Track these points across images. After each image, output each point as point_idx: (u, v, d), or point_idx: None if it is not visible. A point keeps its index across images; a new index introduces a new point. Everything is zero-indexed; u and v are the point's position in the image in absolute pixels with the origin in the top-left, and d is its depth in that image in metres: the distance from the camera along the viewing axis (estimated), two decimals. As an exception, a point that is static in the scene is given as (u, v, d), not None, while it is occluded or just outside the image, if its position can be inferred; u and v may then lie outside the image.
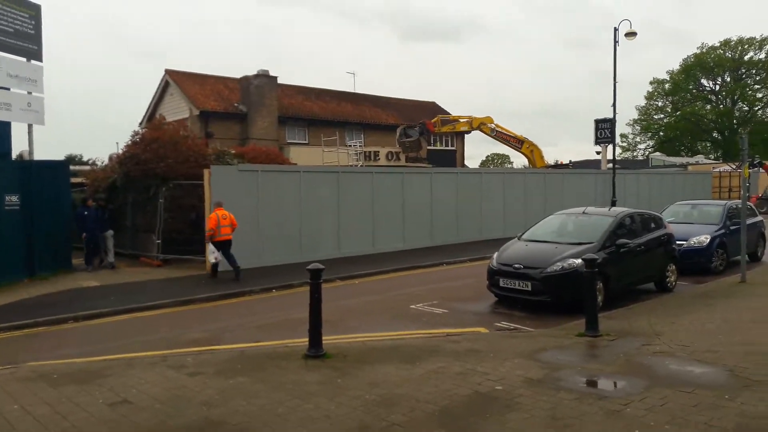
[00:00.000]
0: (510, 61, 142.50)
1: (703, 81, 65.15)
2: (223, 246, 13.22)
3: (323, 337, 6.89)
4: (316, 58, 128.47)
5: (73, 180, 18.15)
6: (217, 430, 4.75)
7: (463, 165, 38.20)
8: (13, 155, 15.23)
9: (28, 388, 5.95)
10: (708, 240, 12.84)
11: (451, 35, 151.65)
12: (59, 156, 46.74)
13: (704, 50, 62.77)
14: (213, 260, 13.44)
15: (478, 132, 31.66)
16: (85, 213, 14.83)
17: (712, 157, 60.45)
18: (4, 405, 5.48)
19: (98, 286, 12.87)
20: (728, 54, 61.41)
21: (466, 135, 37.18)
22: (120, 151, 18.27)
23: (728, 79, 63.38)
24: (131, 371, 6.43)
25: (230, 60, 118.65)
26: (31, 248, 13.76)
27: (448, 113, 36.20)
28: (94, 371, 6.48)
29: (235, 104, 29.05)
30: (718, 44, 61.68)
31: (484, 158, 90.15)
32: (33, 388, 5.97)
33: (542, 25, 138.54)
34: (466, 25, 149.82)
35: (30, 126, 14.63)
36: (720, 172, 35.26)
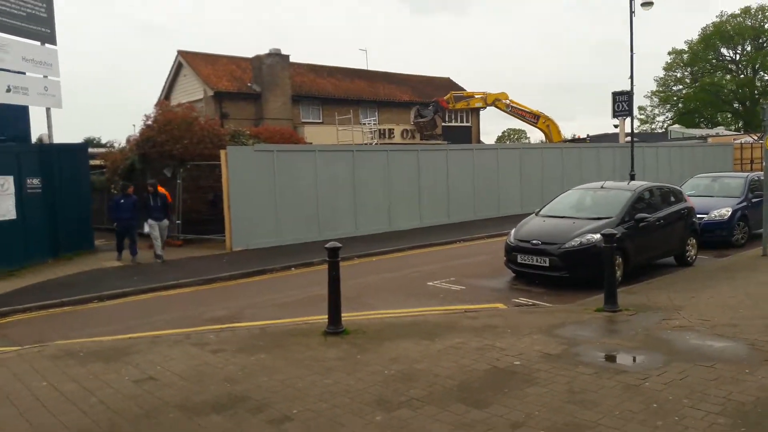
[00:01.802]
0: (522, 34, 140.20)
1: (723, 50, 63.52)
2: None
3: (342, 314, 6.97)
4: (324, 35, 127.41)
5: (92, 162, 18.40)
6: (240, 404, 4.85)
7: (479, 141, 37.95)
8: (33, 139, 15.48)
9: (56, 366, 6.12)
10: (729, 213, 12.67)
11: (461, 6, 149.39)
12: (77, 139, 47.20)
13: (724, 18, 61.10)
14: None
15: (493, 108, 31.43)
16: (121, 201, 13.63)
17: (733, 129, 59.26)
18: (33, 382, 5.65)
19: (121, 266, 13.12)
20: (748, 22, 59.70)
21: (481, 111, 36.86)
22: (137, 134, 18.44)
23: (749, 48, 61.74)
24: (156, 349, 6.57)
25: (237, 38, 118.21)
26: (54, 230, 14.04)
27: (463, 89, 35.88)
28: (120, 349, 6.64)
29: (248, 84, 29.05)
30: (738, 12, 60.02)
31: (500, 134, 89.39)
32: (60, 365, 6.13)
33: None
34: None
35: (48, 110, 14.78)
36: (741, 143, 34.57)
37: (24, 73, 14.07)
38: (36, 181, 13.61)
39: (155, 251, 13.59)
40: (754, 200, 13.13)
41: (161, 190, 14.01)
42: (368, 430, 4.28)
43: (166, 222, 13.90)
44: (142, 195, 14.27)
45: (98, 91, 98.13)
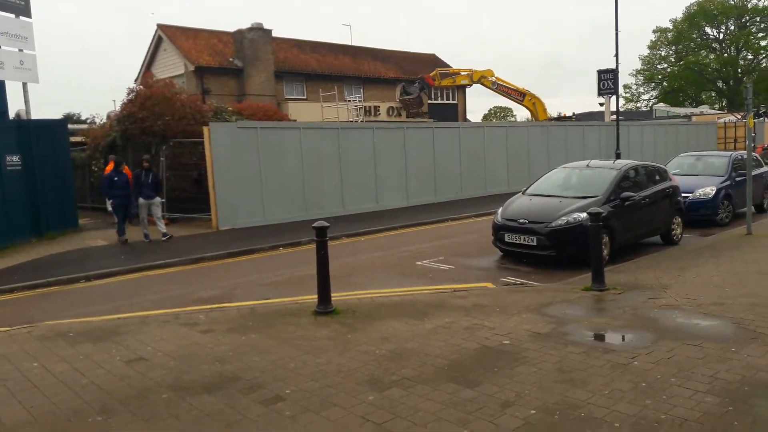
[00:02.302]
0: (508, 12, 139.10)
1: (707, 29, 63.75)
2: None
3: (332, 294, 6.98)
4: (306, 10, 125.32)
5: (72, 139, 18.06)
6: (231, 385, 4.85)
7: (465, 119, 37.85)
8: (10, 115, 15.11)
9: (46, 347, 6.07)
10: (713, 192, 12.83)
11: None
12: (56, 115, 46.27)
13: (708, -3, 61.20)
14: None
15: (479, 85, 31.28)
16: (115, 178, 13.06)
17: (717, 108, 59.80)
18: (24, 363, 5.60)
19: (107, 245, 12.98)
20: (732, 1, 59.89)
21: (467, 89, 36.69)
22: (117, 110, 18.11)
23: (732, 27, 62.01)
24: (145, 329, 6.54)
25: (217, 12, 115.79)
26: (36, 208, 13.81)
27: (449, 66, 35.63)
28: (110, 329, 6.60)
29: (230, 59, 28.54)
30: (723, -11, 60.14)
31: (486, 112, 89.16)
32: (51, 346, 6.08)
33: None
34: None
35: (25, 84, 14.42)
36: (725, 122, 34.93)
37: (-1, 47, 13.69)
38: (15, 159, 13.34)
39: (160, 229, 13.16)
40: (738, 179, 13.30)
41: (126, 170, 13.52)
42: (360, 409, 4.31)
43: (158, 200, 13.46)
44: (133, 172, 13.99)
45: (76, 66, 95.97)
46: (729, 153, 15.05)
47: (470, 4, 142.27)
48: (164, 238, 12.96)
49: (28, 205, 13.59)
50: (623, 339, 5.73)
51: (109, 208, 13.18)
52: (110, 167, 13.37)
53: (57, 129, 15.28)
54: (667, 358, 5.04)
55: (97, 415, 4.42)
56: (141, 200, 13.11)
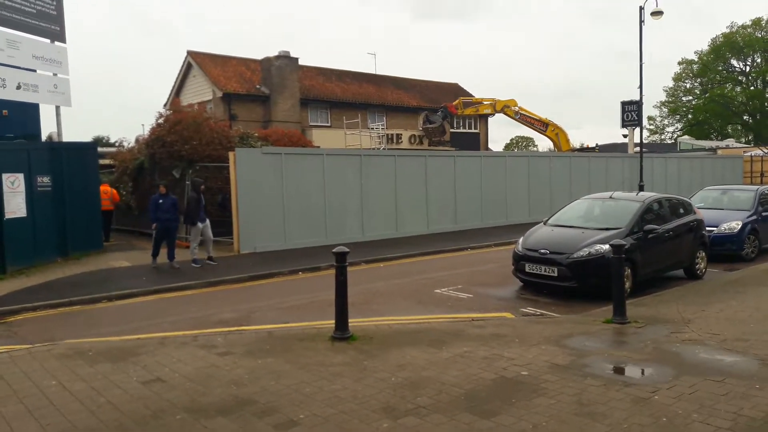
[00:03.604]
0: (531, 42, 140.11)
1: (733, 62, 63.40)
2: (106, 215, 15.34)
3: (349, 320, 6.97)
4: (332, 39, 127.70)
5: (101, 162, 18.50)
6: (246, 408, 4.86)
7: (487, 148, 37.94)
8: (42, 137, 15.57)
9: (65, 365, 6.15)
10: (739, 226, 12.60)
11: (470, 13, 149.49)
12: (85, 138, 47.58)
13: (734, 29, 60.98)
14: None
15: (501, 115, 31.43)
16: (160, 201, 12.70)
17: (743, 141, 59.02)
18: (43, 380, 5.68)
19: (129, 266, 13.16)
20: (758, 34, 59.58)
21: (489, 118, 36.86)
22: (146, 134, 18.55)
23: (759, 60, 61.58)
24: (163, 350, 6.59)
25: (244, 40, 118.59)
26: (63, 229, 14.07)
27: (471, 95, 35.93)
28: (128, 349, 6.67)
29: (257, 86, 29.15)
30: (749, 23, 59.91)
31: (508, 141, 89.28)
32: (70, 364, 6.16)
33: (559, 1, 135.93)
34: (479, 2, 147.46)
35: (57, 108, 14.86)
36: (751, 156, 34.44)
37: (34, 71, 14.15)
38: (46, 180, 13.66)
39: (209, 253, 13.12)
40: (764, 214, 13.08)
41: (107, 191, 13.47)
42: (375, 437, 4.27)
43: (207, 222, 13.29)
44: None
45: (105, 90, 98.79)
46: (755, 187, 14.82)
47: (492, 33, 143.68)
48: (211, 262, 13.02)
49: (55, 225, 13.87)
50: (644, 373, 5.61)
51: (191, 234, 12.96)
52: (163, 191, 12.91)
53: (87, 152, 15.66)
54: (689, 393, 4.93)
55: (113, 434, 4.45)
56: (200, 224, 13.03)
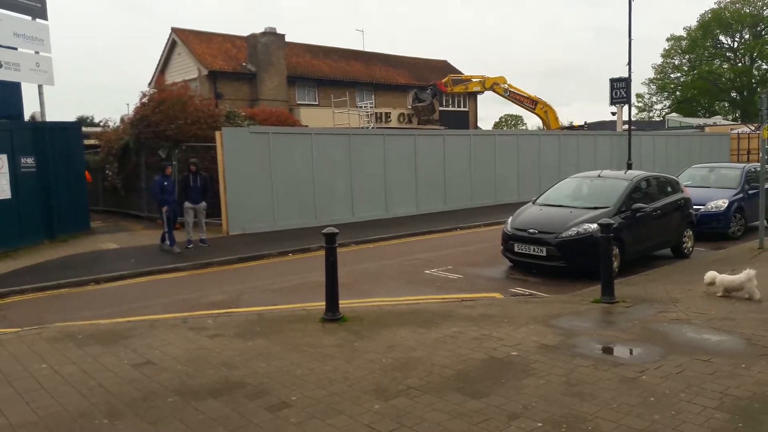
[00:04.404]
0: (517, 18, 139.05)
1: (721, 38, 63.31)
2: None
3: (340, 301, 6.98)
4: (318, 14, 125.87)
5: (86, 142, 18.23)
6: (238, 390, 4.87)
7: (476, 127, 37.84)
8: (25, 117, 15.28)
9: (55, 348, 6.12)
10: (726, 204, 12.70)
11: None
12: (69, 117, 46.69)
13: (722, 5, 60.83)
14: None
15: (491, 92, 31.28)
16: (165, 183, 12.31)
17: (730, 118, 59.32)
18: (33, 364, 5.65)
19: (117, 248, 13.07)
20: (747, 9, 59.48)
21: (478, 96, 36.69)
22: (131, 113, 18.28)
23: (747, 36, 61.57)
24: (153, 333, 6.58)
25: (230, 17, 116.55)
26: (49, 210, 13.92)
27: (461, 72, 35.67)
28: (118, 332, 6.64)
29: (243, 63, 28.72)
30: (737, -2, 59.81)
31: (497, 119, 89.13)
32: (60, 348, 6.14)
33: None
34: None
35: (40, 87, 14.49)
36: (738, 133, 34.64)
37: (16, 49, 13.73)
38: (30, 160, 13.45)
39: (201, 236, 12.94)
40: (750, 192, 13.17)
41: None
42: (366, 418, 4.31)
43: (204, 204, 12.97)
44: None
45: (88, 69, 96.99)
46: (742, 165, 14.91)
47: (478, 10, 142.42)
48: (203, 244, 12.81)
49: (41, 206, 13.71)
50: (632, 352, 5.68)
51: (163, 216, 12.33)
52: (169, 172, 12.63)
53: (71, 131, 15.42)
54: (676, 372, 5.00)
55: (104, 417, 4.44)
56: (187, 204, 12.71)
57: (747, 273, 7.42)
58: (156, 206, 14.97)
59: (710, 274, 7.78)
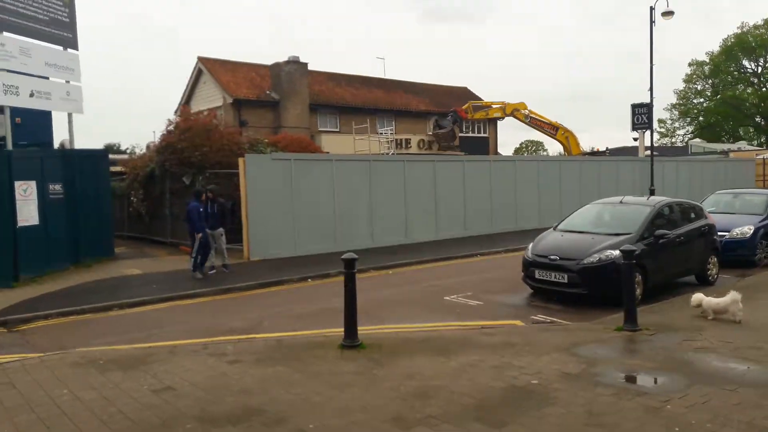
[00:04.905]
0: (539, 44, 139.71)
1: (745, 62, 62.76)
2: None
3: (359, 327, 6.96)
4: (341, 43, 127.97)
5: (112, 169, 18.66)
6: (256, 417, 4.86)
7: (496, 152, 37.85)
8: (54, 145, 15.71)
9: (76, 374, 6.19)
10: (751, 231, 12.47)
11: (473, 15, 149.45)
12: (96, 145, 47.94)
13: (745, 30, 60.44)
14: None
15: (511, 118, 31.35)
16: (201, 209, 12.36)
17: (755, 144, 58.44)
18: (54, 389, 5.72)
19: (141, 274, 13.25)
20: (770, 34, 59.02)
21: (498, 122, 36.78)
22: (156, 140, 18.69)
23: (771, 61, 60.98)
24: (174, 358, 6.62)
25: (250, 46, 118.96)
26: (75, 236, 14.18)
27: (480, 99, 35.86)
28: (139, 358, 6.70)
29: (267, 92, 29.28)
30: (761, 23, 59.35)
31: (517, 145, 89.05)
32: (81, 373, 6.20)
33: (568, 3, 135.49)
34: (488, 3, 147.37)
35: (70, 115, 14.93)
36: (764, 159, 34.05)
37: (47, 78, 14.20)
38: (58, 187, 13.77)
39: (226, 261, 13.04)
40: (777, 218, 12.91)
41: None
42: (385, 447, 4.27)
43: (221, 230, 13.16)
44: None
45: (116, 97, 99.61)
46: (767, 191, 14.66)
47: (501, 36, 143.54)
48: (226, 270, 12.92)
49: (67, 233, 13.97)
50: (656, 382, 5.56)
51: (195, 243, 12.33)
52: (204, 199, 12.66)
53: (98, 159, 15.80)
54: (701, 402, 4.88)
55: (124, 444, 4.47)
56: (215, 232, 12.88)
57: (732, 295, 7.71)
58: (180, 231, 15.00)
59: (697, 297, 8.04)
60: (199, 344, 7.32)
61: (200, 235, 12.29)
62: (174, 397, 5.40)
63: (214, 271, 12.76)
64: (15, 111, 13.53)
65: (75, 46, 15.06)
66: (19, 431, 4.78)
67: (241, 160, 14.76)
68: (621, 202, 11.04)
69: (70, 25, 14.97)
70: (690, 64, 64.82)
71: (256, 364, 6.34)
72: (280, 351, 6.84)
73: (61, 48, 14.70)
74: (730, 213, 13.41)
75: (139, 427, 4.76)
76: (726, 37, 62.34)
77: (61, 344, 7.78)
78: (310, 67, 30.15)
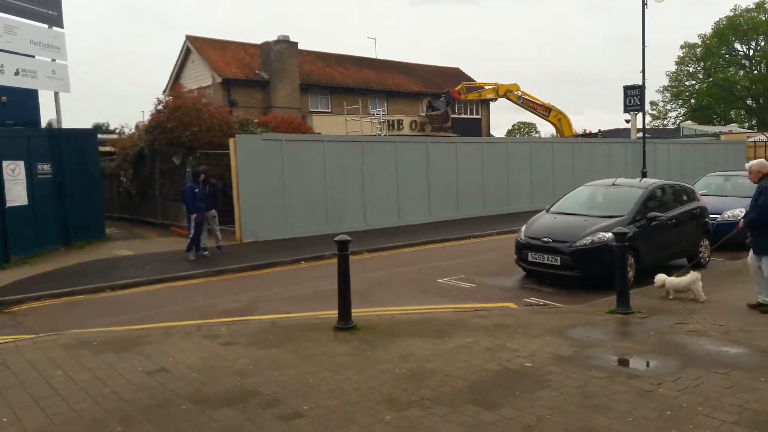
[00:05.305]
0: (530, 26, 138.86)
1: (737, 45, 62.75)
2: None
3: (352, 309, 6.96)
4: (327, 22, 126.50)
5: (101, 149, 18.45)
6: (251, 399, 4.87)
7: (489, 134, 37.75)
8: (42, 124, 15.47)
9: (70, 355, 6.16)
10: (743, 213, 12.52)
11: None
12: (84, 124, 47.14)
13: (737, 12, 60.32)
14: None
15: (503, 100, 31.23)
16: (196, 190, 12.37)
17: (746, 126, 58.70)
18: (48, 370, 5.69)
19: (132, 255, 13.18)
20: (762, 17, 58.94)
21: (491, 103, 36.63)
22: (146, 120, 18.46)
23: (762, 43, 61.00)
24: (167, 340, 6.60)
25: (241, 24, 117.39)
26: (65, 217, 14.04)
27: (473, 80, 35.65)
28: (132, 339, 6.68)
29: (257, 71, 28.90)
30: (753, 6, 59.29)
31: (510, 127, 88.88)
32: (75, 354, 6.17)
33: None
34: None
35: (56, 94, 14.66)
36: (755, 141, 34.22)
37: (32, 57, 13.93)
38: (46, 167, 13.59)
39: (215, 243, 12.99)
40: (768, 201, 12.96)
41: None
42: (379, 428, 4.29)
43: (213, 212, 13.12)
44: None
45: (103, 76, 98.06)
46: (759, 173, 14.69)
47: (490, 17, 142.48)
48: (220, 251, 12.89)
49: (57, 213, 13.83)
50: (648, 365, 5.62)
51: (191, 224, 12.29)
52: (202, 179, 12.66)
53: (87, 139, 15.59)
54: (693, 386, 4.93)
55: (117, 424, 4.46)
56: (208, 214, 12.89)
57: (692, 275, 7.99)
58: (170, 212, 14.96)
59: (660, 277, 8.27)
60: (192, 326, 7.29)
61: (195, 216, 12.27)
62: (168, 379, 5.39)
63: (207, 252, 12.69)
64: (1, 90, 13.28)
65: (60, 24, 14.76)
66: (14, 411, 4.76)
67: (231, 141, 14.62)
68: (613, 184, 11.05)
69: (55, 3, 14.66)
70: (682, 47, 64.80)
71: (250, 345, 6.33)
72: (274, 333, 6.83)
73: (46, 26, 14.40)
74: (722, 195, 13.47)
75: (134, 407, 4.76)
76: (718, 20, 62.27)
77: (54, 326, 7.73)
78: (300, 47, 29.77)
